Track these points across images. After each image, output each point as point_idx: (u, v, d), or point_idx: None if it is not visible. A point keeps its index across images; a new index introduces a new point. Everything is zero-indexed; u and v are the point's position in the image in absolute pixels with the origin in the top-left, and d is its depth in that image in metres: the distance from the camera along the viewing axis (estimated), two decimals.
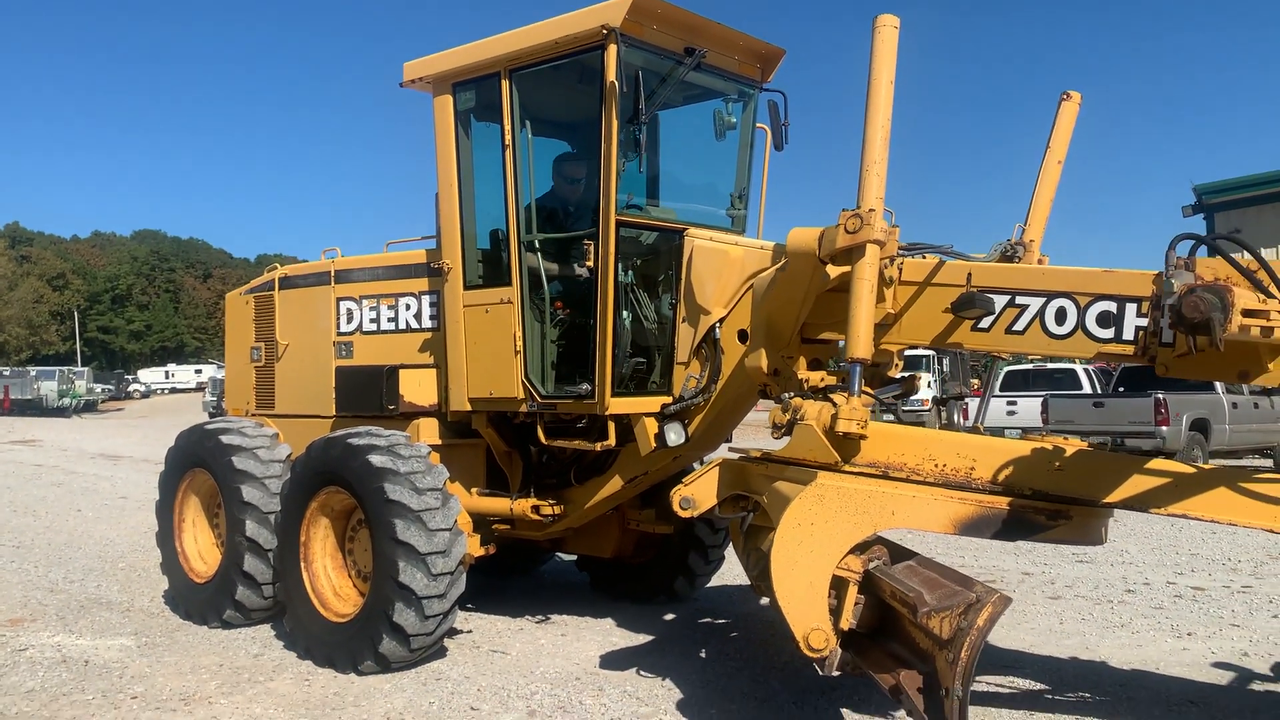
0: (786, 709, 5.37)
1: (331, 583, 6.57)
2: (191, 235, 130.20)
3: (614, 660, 6.33)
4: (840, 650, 4.34)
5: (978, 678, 5.88)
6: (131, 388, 74.62)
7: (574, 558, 8.73)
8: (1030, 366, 23.74)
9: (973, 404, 24.56)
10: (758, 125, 6.99)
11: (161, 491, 7.95)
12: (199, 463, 7.59)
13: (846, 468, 4.62)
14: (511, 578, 8.93)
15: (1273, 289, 3.86)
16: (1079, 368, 23.13)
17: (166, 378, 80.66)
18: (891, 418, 27.85)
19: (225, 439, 7.37)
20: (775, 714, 5.29)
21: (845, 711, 5.32)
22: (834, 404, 4.64)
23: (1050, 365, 22.82)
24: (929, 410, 29.62)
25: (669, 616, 7.57)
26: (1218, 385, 17.94)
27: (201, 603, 7.36)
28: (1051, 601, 7.98)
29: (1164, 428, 17.43)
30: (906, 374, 6.38)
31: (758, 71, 6.90)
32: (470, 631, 7.07)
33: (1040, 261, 6.00)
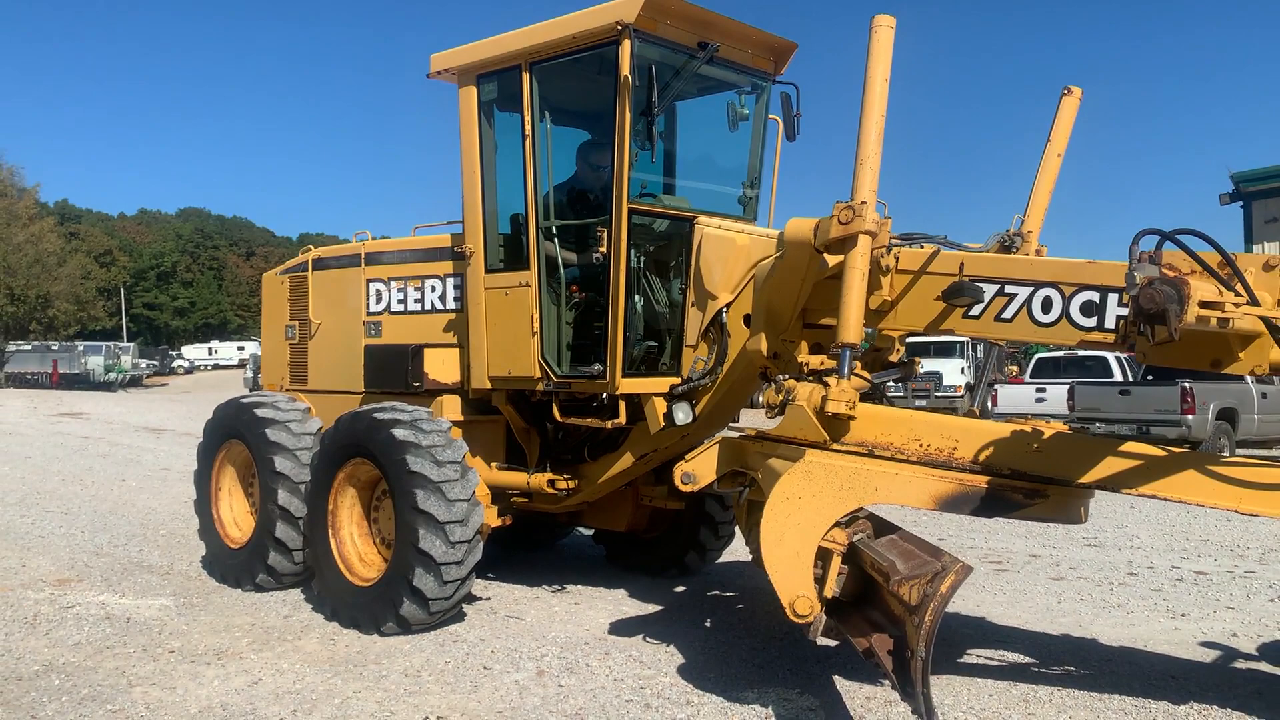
0: (781, 674, 5.66)
1: (357, 549, 6.94)
2: (236, 214, 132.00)
3: (622, 627, 6.65)
4: (825, 617, 4.62)
5: (969, 650, 6.15)
6: (175, 363, 76.21)
7: (592, 531, 9.07)
8: (1062, 354, 23.73)
9: (1004, 390, 24.63)
10: (770, 116, 7.23)
11: (200, 461, 8.38)
12: (235, 434, 8.00)
13: (835, 446, 4.88)
14: (533, 550, 9.28)
15: (1234, 282, 4.06)
16: (1110, 355, 23.08)
17: (209, 354, 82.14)
18: (923, 404, 27.96)
19: (260, 412, 7.77)
20: (770, 678, 5.58)
21: (837, 678, 5.59)
22: (825, 385, 4.91)
23: (1081, 352, 22.82)
24: (962, 396, 29.70)
25: (679, 589, 7.89)
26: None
27: (236, 567, 7.79)
28: (1054, 582, 8.20)
29: (1190, 416, 17.44)
30: (906, 359, 6.57)
31: (770, 65, 7.13)
32: (489, 599, 7.42)
33: (1039, 252, 6.21)
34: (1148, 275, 3.85)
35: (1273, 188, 23.84)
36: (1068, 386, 20.18)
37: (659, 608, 7.26)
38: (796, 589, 4.57)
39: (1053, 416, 21.33)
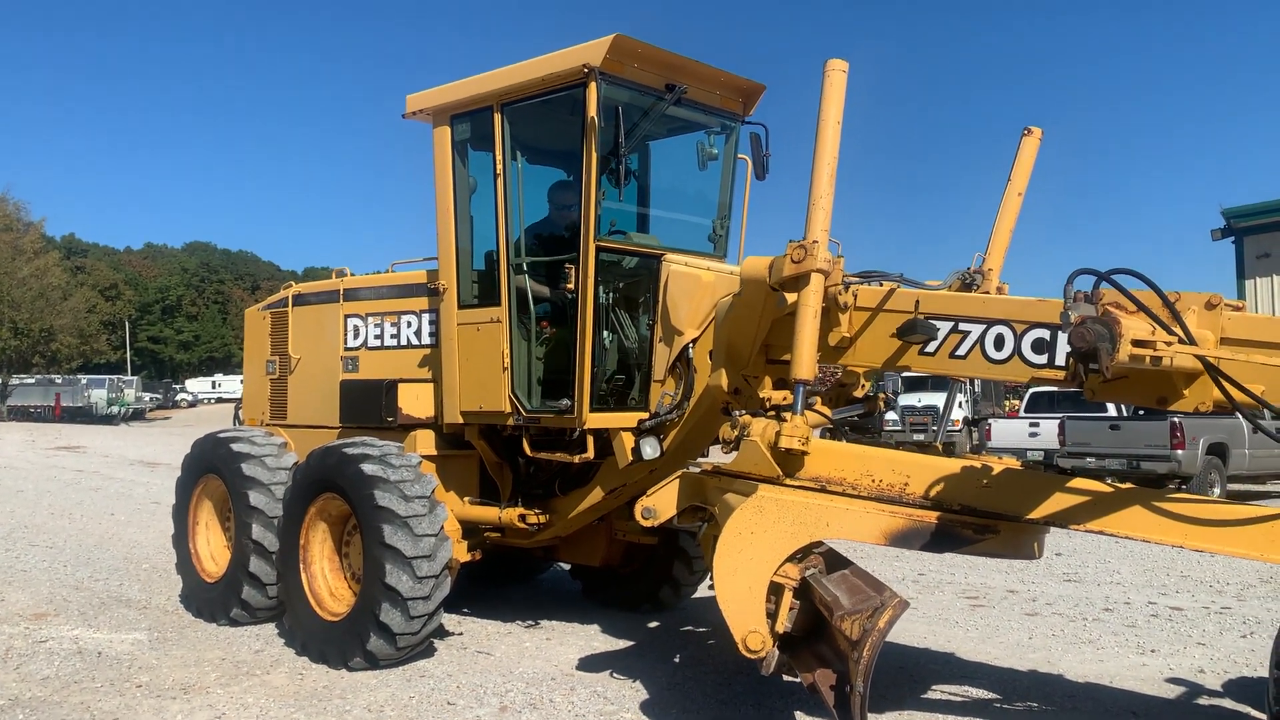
0: (744, 711, 5.67)
1: (328, 583, 6.98)
2: (241, 248, 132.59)
3: (591, 663, 6.66)
4: (777, 652, 4.65)
5: (934, 686, 6.16)
6: (179, 397, 76.40)
7: (570, 567, 9.09)
8: (1055, 388, 23.74)
9: (998, 425, 24.64)
10: (739, 156, 7.35)
11: (178, 496, 8.44)
12: (211, 469, 8.06)
13: (788, 481, 4.94)
14: (510, 586, 9.29)
15: (1168, 320, 4.13)
16: None
17: (213, 387, 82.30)
18: (921, 437, 27.97)
19: (235, 447, 7.84)
20: (732, 715, 5.60)
21: (799, 714, 5.61)
22: (781, 421, 4.98)
23: (1075, 388, 22.80)
24: (960, 430, 29.68)
25: (652, 624, 7.90)
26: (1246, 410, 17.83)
27: (211, 601, 7.82)
28: (1027, 618, 8.20)
29: (1180, 451, 17.42)
30: (870, 394, 6.63)
31: (739, 105, 7.26)
32: (460, 634, 7.44)
33: (1000, 289, 6.29)
34: (1081, 314, 3.92)
35: (1264, 223, 23.94)
36: (1059, 421, 20.17)
37: (630, 643, 7.27)
38: (749, 624, 4.60)
39: (1045, 451, 21.37)
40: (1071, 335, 3.88)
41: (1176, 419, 17.40)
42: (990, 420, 25.57)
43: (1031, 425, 22.67)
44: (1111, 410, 21.66)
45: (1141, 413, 19.25)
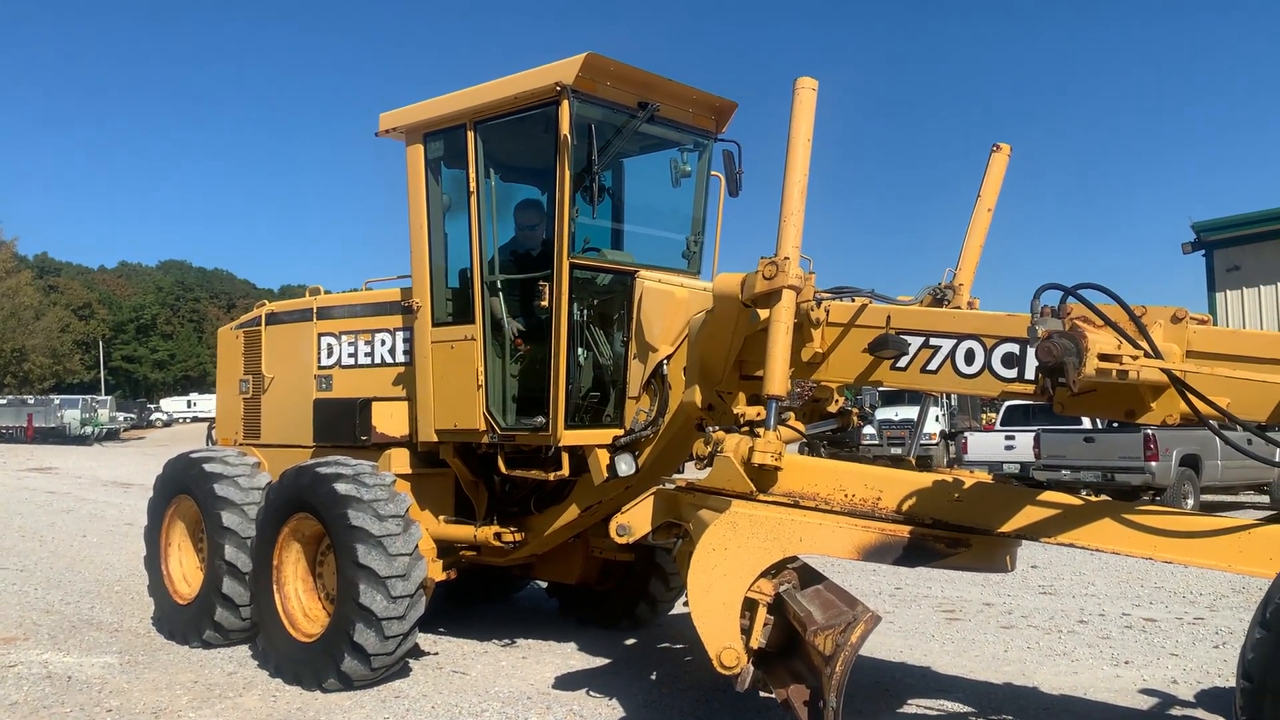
0: None
1: (302, 604, 6.91)
2: (217, 266, 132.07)
3: (567, 681, 6.64)
4: (752, 668, 4.63)
5: (910, 700, 6.17)
6: (154, 416, 75.67)
7: (547, 585, 9.05)
8: (1029, 401, 23.87)
9: (974, 438, 24.77)
10: (712, 173, 7.39)
11: (149, 517, 8.35)
12: (184, 489, 7.99)
13: (761, 497, 4.93)
14: (488, 604, 9.24)
15: (1134, 334, 4.17)
16: None
17: (189, 406, 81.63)
18: (899, 451, 28.08)
19: (208, 467, 7.76)
20: None
21: None
22: (754, 437, 4.98)
23: None
24: (936, 444, 29.83)
25: (629, 641, 7.88)
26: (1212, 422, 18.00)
27: (184, 623, 7.73)
28: (1003, 630, 8.23)
29: (1154, 463, 17.56)
30: (844, 409, 6.65)
31: (712, 123, 7.31)
32: (436, 654, 7.39)
33: (971, 304, 6.33)
34: (1048, 329, 3.95)
35: (1233, 236, 24.18)
36: (1034, 434, 20.30)
37: (607, 660, 7.24)
38: (723, 640, 4.59)
39: (1021, 464, 21.49)
40: (1038, 350, 3.91)
41: (1150, 431, 17.54)
42: (966, 434, 25.67)
43: (1007, 438, 22.83)
44: (1086, 423, 21.84)
45: (1116, 425, 19.41)
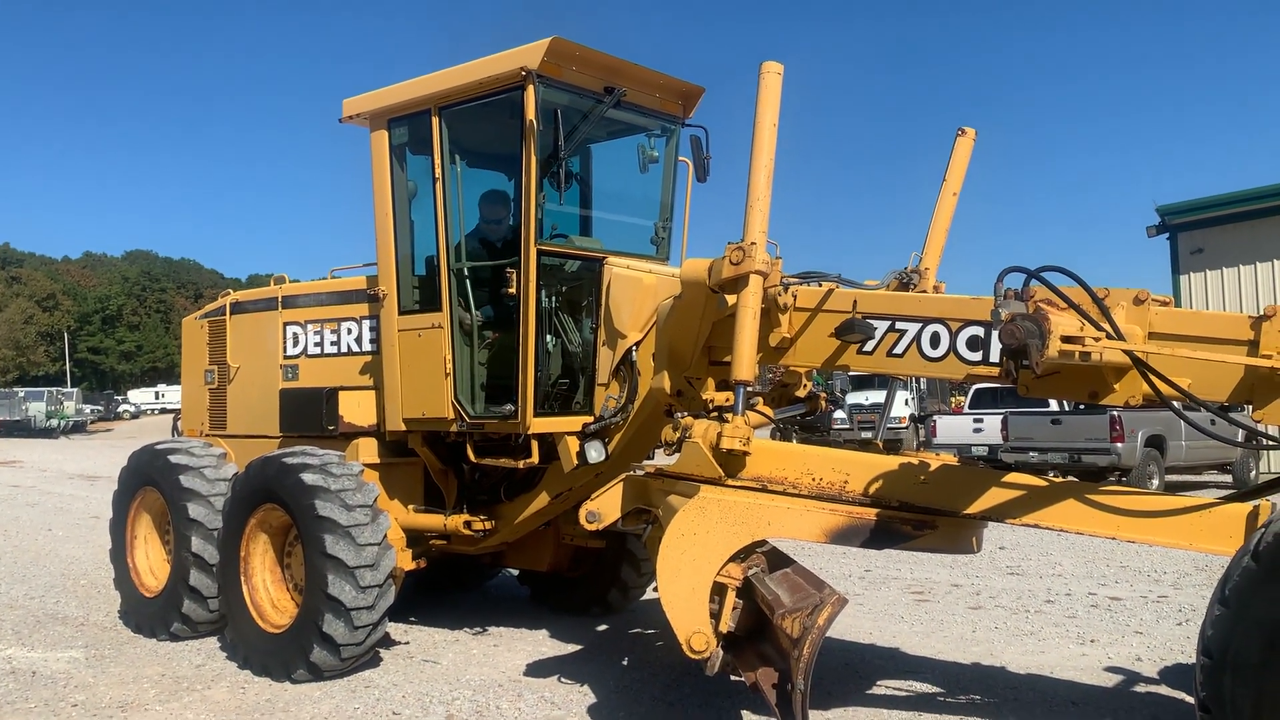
0: (690, 711, 5.68)
1: (270, 595, 6.86)
2: (184, 255, 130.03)
3: (538, 669, 6.63)
4: (721, 652, 4.65)
5: (879, 681, 6.22)
6: (121, 408, 74.85)
7: (518, 572, 9.04)
8: (996, 384, 24.06)
9: (943, 421, 24.95)
10: (680, 158, 7.36)
11: (115, 509, 8.25)
12: (150, 481, 7.89)
13: (730, 482, 4.95)
14: (458, 593, 9.21)
15: (1097, 316, 4.20)
16: None
17: (156, 398, 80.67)
18: (869, 435, 28.30)
19: (174, 459, 7.67)
20: (679, 715, 5.60)
21: (745, 713, 5.62)
22: (723, 422, 4.99)
23: None
24: (906, 428, 30.09)
25: (601, 627, 7.88)
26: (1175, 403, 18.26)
27: (150, 616, 7.66)
28: (971, 611, 8.32)
29: (1119, 444, 17.78)
30: (812, 394, 6.68)
31: (679, 108, 7.28)
32: (407, 643, 7.36)
33: (937, 288, 6.37)
34: (1011, 312, 3.97)
35: (1197, 219, 24.44)
36: (1001, 417, 20.48)
37: (578, 647, 7.24)
38: (692, 625, 4.60)
39: (989, 446, 21.69)
40: (1002, 333, 3.94)
41: (1116, 413, 17.74)
42: (935, 417, 25.87)
43: (976, 421, 23.01)
44: (1053, 405, 22.08)
45: (1082, 407, 19.62)
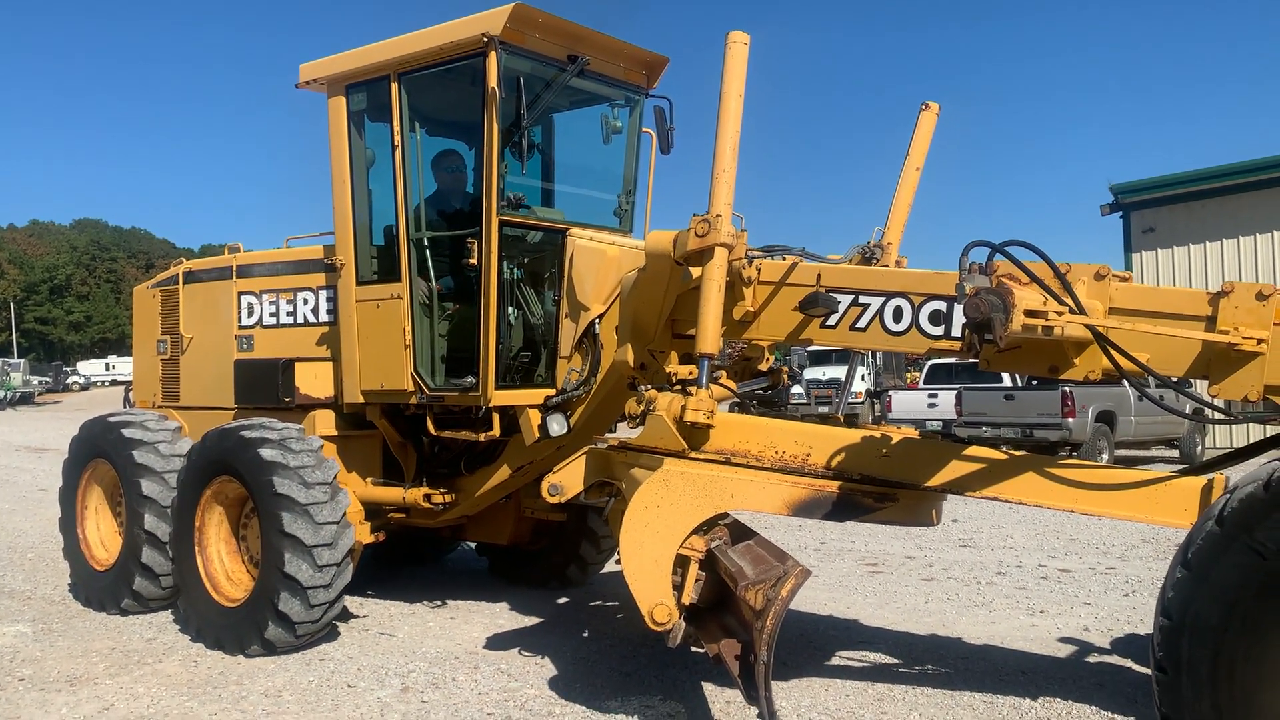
0: (647, 681, 5.69)
1: (225, 567, 6.76)
2: (134, 224, 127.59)
3: (496, 641, 6.61)
4: (684, 624, 4.66)
5: (835, 652, 6.29)
6: (70, 380, 73.35)
7: (475, 545, 9.00)
8: (954, 360, 24.36)
9: (899, 396, 25.17)
10: (644, 130, 7.30)
11: (65, 478, 8.09)
12: (101, 453, 7.73)
13: (693, 455, 4.94)
14: (416, 566, 9.16)
15: (1059, 290, 4.24)
16: None
17: (107, 369, 79.10)
18: (826, 410, 28.49)
19: (127, 433, 7.50)
20: (635, 686, 5.61)
21: (705, 684, 5.64)
22: (686, 395, 4.97)
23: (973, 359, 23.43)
24: (862, 402, 30.36)
25: (561, 600, 7.88)
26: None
27: (100, 590, 7.52)
28: (924, 583, 8.43)
29: (1071, 419, 18.09)
30: (774, 367, 6.69)
31: (643, 79, 7.20)
32: (364, 616, 7.31)
33: (899, 263, 6.38)
34: (976, 285, 3.99)
35: (1150, 198, 24.80)
36: (955, 392, 20.74)
37: (537, 620, 7.23)
38: (655, 597, 4.61)
39: (944, 421, 21.96)
40: (966, 306, 3.95)
41: (1067, 388, 18.03)
42: (891, 392, 26.12)
43: (930, 396, 23.23)
44: (1006, 380, 22.40)
45: (1035, 383, 19.93)
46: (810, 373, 30.66)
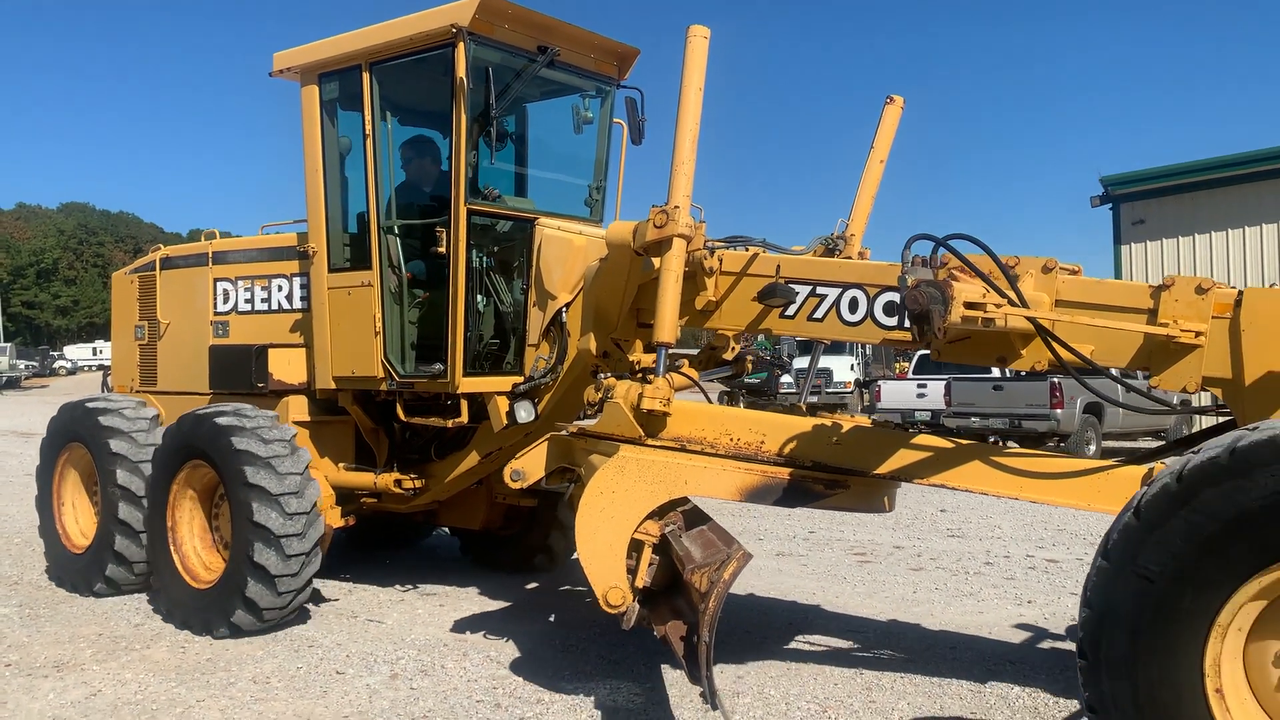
0: (635, 668, 5.73)
1: (196, 549, 6.87)
2: (121, 209, 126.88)
3: (485, 627, 6.63)
4: (638, 606, 4.75)
5: (823, 641, 6.36)
6: (57, 364, 73.19)
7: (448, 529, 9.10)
8: (908, 348, 24.23)
9: (888, 386, 25.16)
10: (615, 120, 7.37)
11: (42, 458, 8.19)
12: (77, 437, 7.81)
13: (649, 442, 5.03)
14: (397, 551, 9.24)
15: (1002, 284, 4.33)
16: None
17: (94, 354, 78.84)
18: (815, 399, 28.55)
19: (104, 420, 7.56)
20: (623, 672, 5.65)
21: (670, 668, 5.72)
22: (645, 383, 5.07)
23: None
24: (851, 392, 30.39)
25: (547, 587, 7.97)
26: (1114, 370, 18.62)
27: (74, 573, 7.65)
28: (913, 573, 8.48)
29: (1059, 410, 18.09)
30: (739, 356, 6.78)
31: (614, 70, 7.27)
32: (350, 602, 7.36)
33: (862, 254, 6.48)
34: (917, 278, 4.07)
35: (1139, 190, 24.71)
36: (944, 382, 20.73)
37: (524, 607, 7.27)
38: (609, 580, 4.69)
39: (932, 411, 22.01)
40: (906, 298, 4.04)
41: (1056, 380, 18.07)
42: (880, 382, 26.08)
43: (919, 386, 23.03)
44: (995, 372, 22.46)
45: (1024, 374, 19.99)
46: (799, 362, 30.61)
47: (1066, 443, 18.21)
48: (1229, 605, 3.37)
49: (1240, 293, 4.28)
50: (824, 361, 30.02)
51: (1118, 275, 24.34)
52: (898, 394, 23.73)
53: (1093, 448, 18.54)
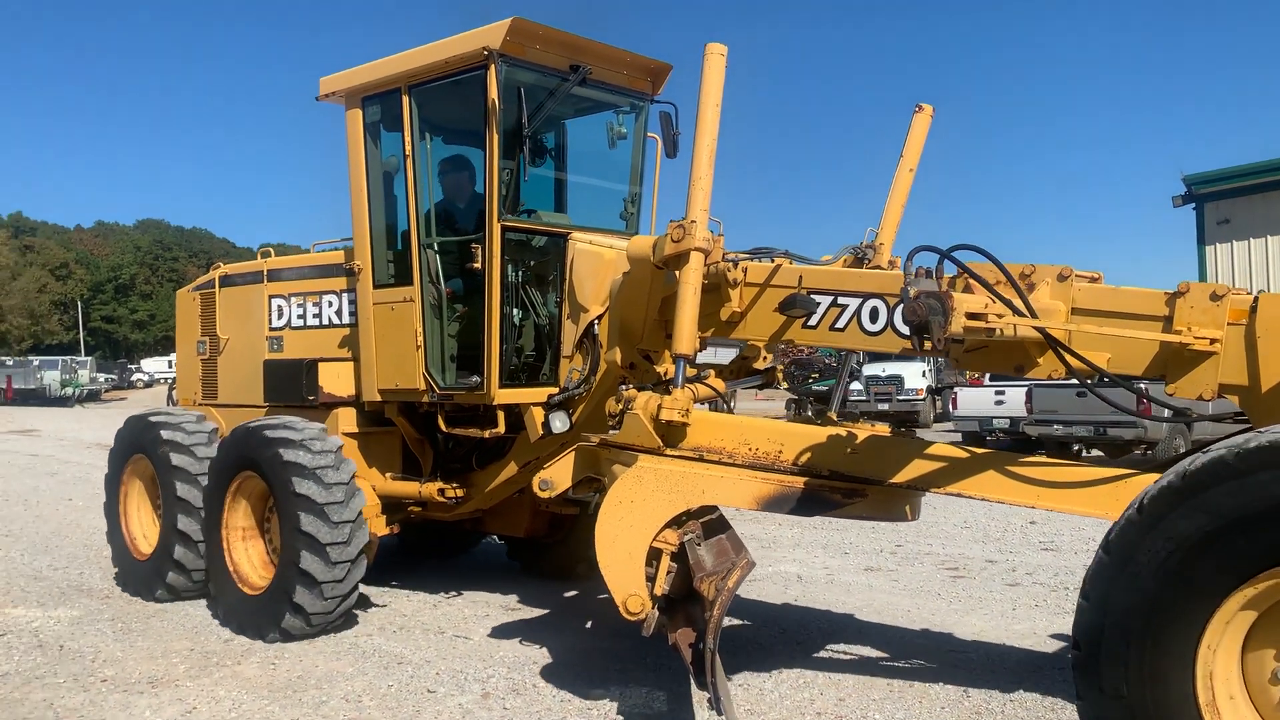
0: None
1: (249, 556, 7.17)
2: (195, 225, 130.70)
3: (571, 646, 6.63)
4: (657, 613, 4.86)
5: (916, 660, 6.26)
6: (135, 377, 75.41)
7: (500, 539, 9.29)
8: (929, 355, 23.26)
9: (964, 393, 24.32)
10: (649, 135, 7.52)
11: (110, 468, 8.62)
12: (141, 449, 8.19)
13: (668, 451, 5.14)
14: (449, 558, 9.45)
15: (1009, 293, 4.35)
16: None
17: (170, 367, 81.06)
18: (885, 407, 28.12)
19: (165, 434, 7.90)
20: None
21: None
22: (665, 394, 5.19)
23: None
24: (924, 400, 29.56)
25: (571, 593, 8.06)
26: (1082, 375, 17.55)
27: (138, 579, 8.05)
28: (1009, 588, 8.26)
29: (1146, 418, 17.37)
30: (770, 366, 6.86)
31: (647, 85, 7.42)
32: (433, 614, 7.44)
33: (891, 263, 6.51)
34: (919, 289, 4.12)
35: (1224, 189, 23.81)
36: (1026, 389, 19.96)
37: (612, 625, 6.81)
38: (629, 588, 4.81)
39: (1011, 419, 21.20)
40: (905, 309, 4.09)
41: (1143, 385, 17.35)
42: (955, 389, 25.04)
43: (997, 393, 21.92)
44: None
45: (1108, 380, 19.25)
46: (869, 369, 29.89)
47: (1154, 451, 17.48)
48: (1226, 607, 3.38)
49: (1255, 298, 4.26)
50: (894, 368, 29.30)
51: (1202, 277, 23.45)
52: (975, 401, 22.70)
53: None
